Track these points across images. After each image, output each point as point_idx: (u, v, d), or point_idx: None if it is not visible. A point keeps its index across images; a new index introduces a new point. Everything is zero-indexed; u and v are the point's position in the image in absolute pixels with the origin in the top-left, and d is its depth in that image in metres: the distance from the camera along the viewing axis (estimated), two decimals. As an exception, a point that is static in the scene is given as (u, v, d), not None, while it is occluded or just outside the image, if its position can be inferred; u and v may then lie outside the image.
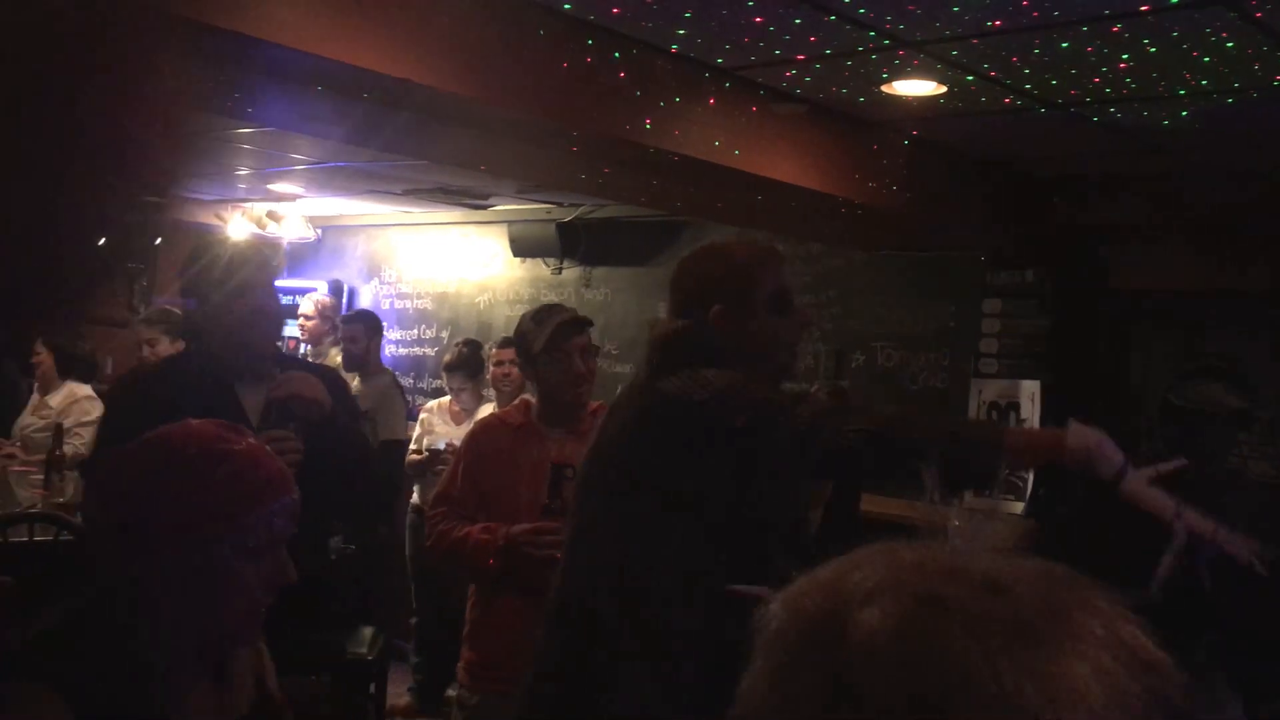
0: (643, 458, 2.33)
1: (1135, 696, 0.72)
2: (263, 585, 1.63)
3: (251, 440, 1.66)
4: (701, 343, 2.35)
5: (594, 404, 3.50)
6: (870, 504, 4.98)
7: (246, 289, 2.81)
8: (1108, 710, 0.71)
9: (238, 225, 8.00)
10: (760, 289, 2.41)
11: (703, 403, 2.21)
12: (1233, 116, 3.96)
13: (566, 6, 3.26)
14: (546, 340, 3.32)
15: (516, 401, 3.98)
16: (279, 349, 2.96)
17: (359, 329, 6.13)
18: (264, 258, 2.95)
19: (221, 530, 1.57)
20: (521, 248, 7.45)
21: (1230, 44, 3.22)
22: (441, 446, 5.84)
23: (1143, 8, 3.00)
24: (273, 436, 2.61)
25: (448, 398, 6.30)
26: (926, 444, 2.09)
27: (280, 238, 8.23)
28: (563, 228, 7.17)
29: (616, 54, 3.53)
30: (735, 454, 2.24)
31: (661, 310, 6.66)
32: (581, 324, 3.43)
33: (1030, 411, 5.20)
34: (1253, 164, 4.69)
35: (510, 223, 7.46)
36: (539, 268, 7.53)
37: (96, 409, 5.25)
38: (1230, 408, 3.23)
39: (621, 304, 7.10)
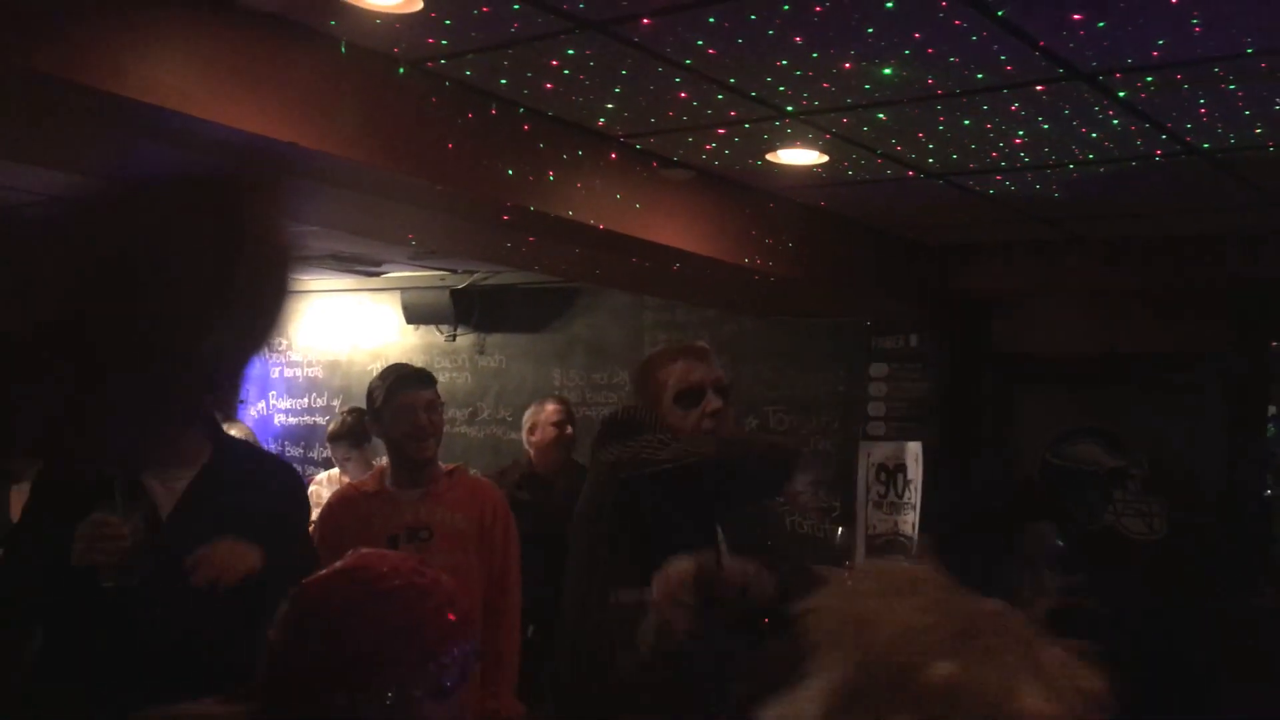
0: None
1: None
2: None
3: (442, 577, 1.59)
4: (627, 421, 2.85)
5: (449, 466, 3.58)
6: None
7: None
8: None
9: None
10: (665, 388, 2.81)
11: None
12: (1112, 187, 4.12)
13: (468, 73, 3.28)
14: (386, 394, 3.37)
15: (373, 469, 3.97)
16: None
17: None
18: None
19: (421, 668, 1.47)
20: (415, 315, 7.40)
21: (1115, 121, 3.37)
22: None
23: (1038, 87, 3.13)
24: (96, 521, 2.37)
25: (338, 469, 6.18)
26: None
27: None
28: (457, 295, 7.15)
29: (507, 120, 3.56)
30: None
31: (556, 377, 6.74)
32: (422, 377, 3.48)
33: (915, 473, 5.30)
34: (1130, 231, 4.89)
35: (403, 290, 7.41)
36: (433, 335, 7.48)
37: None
38: (1105, 467, 3.35)
39: (516, 370, 7.08)
